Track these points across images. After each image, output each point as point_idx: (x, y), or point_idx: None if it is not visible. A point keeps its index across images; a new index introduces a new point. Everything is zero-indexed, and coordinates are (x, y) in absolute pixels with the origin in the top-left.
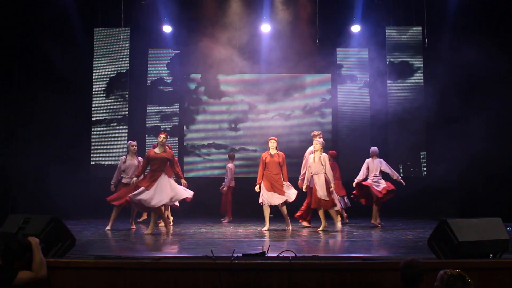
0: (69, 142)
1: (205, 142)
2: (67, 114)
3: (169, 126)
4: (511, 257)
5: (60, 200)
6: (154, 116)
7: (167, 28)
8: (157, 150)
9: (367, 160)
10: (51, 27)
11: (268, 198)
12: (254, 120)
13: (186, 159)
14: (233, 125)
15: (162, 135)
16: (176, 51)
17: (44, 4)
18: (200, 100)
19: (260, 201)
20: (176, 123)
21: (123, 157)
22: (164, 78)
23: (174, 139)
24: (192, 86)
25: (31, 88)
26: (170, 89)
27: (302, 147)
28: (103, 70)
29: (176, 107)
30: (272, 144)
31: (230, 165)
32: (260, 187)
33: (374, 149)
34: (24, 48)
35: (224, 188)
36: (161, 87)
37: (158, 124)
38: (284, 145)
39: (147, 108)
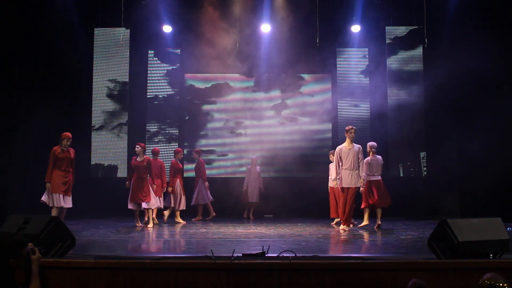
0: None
1: (204, 145)
2: (68, 114)
3: (168, 128)
4: (511, 257)
5: None
6: (154, 119)
7: (167, 28)
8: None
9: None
10: (51, 27)
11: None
12: (254, 119)
13: (186, 164)
14: (233, 126)
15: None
16: (176, 51)
17: (44, 4)
18: (200, 101)
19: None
20: (176, 128)
21: None
22: (164, 78)
23: (174, 144)
24: (192, 87)
25: (32, 88)
26: (169, 89)
27: (301, 146)
28: (103, 70)
29: (176, 109)
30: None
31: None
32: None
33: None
34: (24, 49)
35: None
36: (161, 88)
37: (157, 126)
38: (284, 145)
39: (147, 108)
